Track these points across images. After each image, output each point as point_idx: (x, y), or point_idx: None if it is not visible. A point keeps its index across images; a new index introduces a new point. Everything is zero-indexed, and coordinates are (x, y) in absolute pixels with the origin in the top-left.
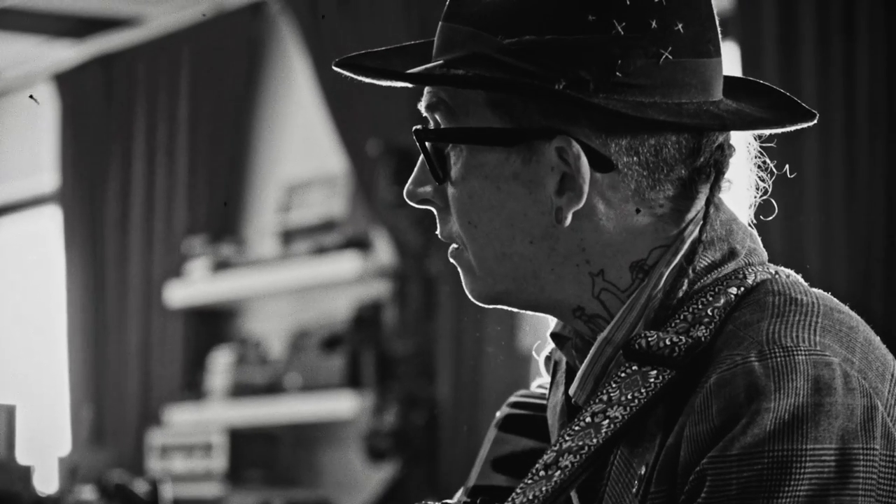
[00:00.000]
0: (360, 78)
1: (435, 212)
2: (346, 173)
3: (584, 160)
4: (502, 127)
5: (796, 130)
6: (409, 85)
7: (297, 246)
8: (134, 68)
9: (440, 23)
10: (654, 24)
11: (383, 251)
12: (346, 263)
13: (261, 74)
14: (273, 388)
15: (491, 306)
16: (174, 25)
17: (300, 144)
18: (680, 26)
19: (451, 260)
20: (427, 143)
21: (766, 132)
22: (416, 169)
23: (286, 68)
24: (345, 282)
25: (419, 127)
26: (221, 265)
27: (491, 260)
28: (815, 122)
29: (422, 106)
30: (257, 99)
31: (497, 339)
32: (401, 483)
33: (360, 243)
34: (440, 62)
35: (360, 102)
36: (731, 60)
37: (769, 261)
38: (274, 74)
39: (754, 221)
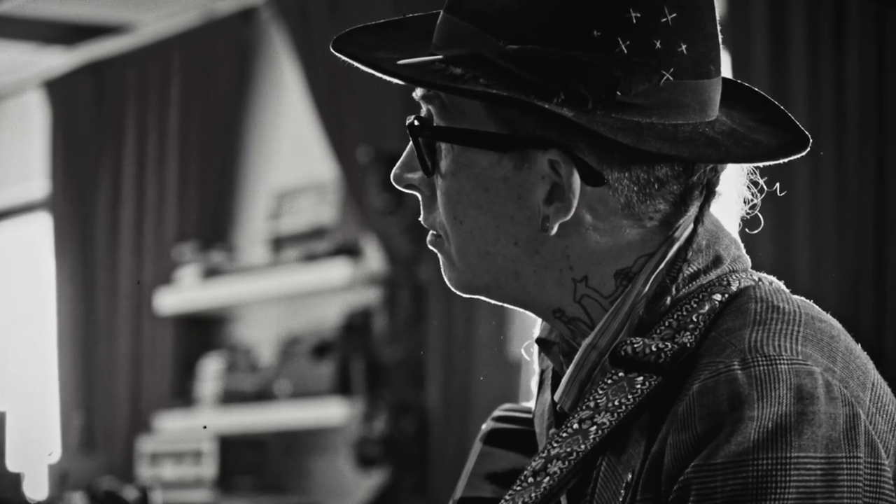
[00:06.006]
0: (358, 65)
1: (420, 197)
2: (336, 180)
3: (576, 175)
4: (498, 132)
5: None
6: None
7: (287, 253)
8: (124, 75)
9: (441, 13)
10: (658, 44)
11: (373, 258)
12: (336, 270)
13: (251, 81)
14: (263, 395)
15: (468, 296)
16: (165, 32)
17: (290, 151)
18: (684, 47)
19: (430, 247)
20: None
21: (763, 164)
22: (404, 154)
23: (276, 75)
24: (335, 289)
25: (413, 121)
26: (211, 272)
27: (473, 255)
28: (808, 150)
29: (416, 95)
30: (248, 106)
31: (487, 347)
32: (390, 490)
33: (350, 250)
34: (439, 57)
35: (350, 109)
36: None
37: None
38: (264, 81)
39: (744, 230)
